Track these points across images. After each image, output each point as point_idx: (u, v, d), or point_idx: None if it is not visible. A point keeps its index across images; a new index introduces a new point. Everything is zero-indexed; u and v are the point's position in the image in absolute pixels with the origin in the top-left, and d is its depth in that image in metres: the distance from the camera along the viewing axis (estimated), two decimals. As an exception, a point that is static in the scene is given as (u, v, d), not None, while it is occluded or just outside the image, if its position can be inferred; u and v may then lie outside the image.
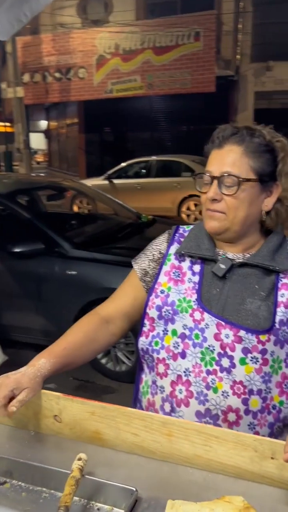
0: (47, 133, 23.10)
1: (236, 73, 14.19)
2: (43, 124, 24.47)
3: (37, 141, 26.68)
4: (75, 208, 9.81)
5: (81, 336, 1.22)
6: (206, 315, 1.13)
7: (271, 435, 1.14)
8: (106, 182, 10.75)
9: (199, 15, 12.94)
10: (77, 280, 3.69)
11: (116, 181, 10.79)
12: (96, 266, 3.70)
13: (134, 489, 0.91)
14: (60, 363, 1.15)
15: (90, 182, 9.92)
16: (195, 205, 10.00)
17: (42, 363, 1.12)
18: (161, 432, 1.01)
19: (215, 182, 1.13)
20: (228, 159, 1.13)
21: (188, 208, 10.14)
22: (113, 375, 3.74)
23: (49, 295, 3.83)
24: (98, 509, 0.92)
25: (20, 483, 0.97)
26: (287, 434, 1.17)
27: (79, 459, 0.94)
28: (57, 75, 14.94)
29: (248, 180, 1.12)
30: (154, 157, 11.08)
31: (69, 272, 3.71)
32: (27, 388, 1.05)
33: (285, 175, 1.16)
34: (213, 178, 1.14)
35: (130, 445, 1.04)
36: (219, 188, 1.13)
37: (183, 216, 10.17)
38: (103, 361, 3.74)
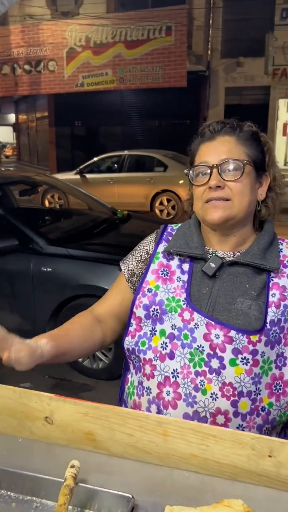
0: (16, 126, 22.70)
1: (207, 69, 14.26)
2: (12, 117, 24.05)
3: (6, 134, 26.22)
4: (46, 203, 9.67)
5: (79, 327, 1.20)
6: (195, 314, 1.10)
7: None
8: (78, 176, 10.64)
9: (170, 10, 12.93)
10: (53, 277, 3.62)
11: (88, 175, 10.69)
12: (72, 263, 3.63)
13: (130, 496, 0.87)
14: (60, 348, 1.11)
15: (62, 176, 9.80)
16: (168, 200, 10.01)
17: (43, 342, 1.08)
18: (156, 432, 0.98)
19: (215, 170, 1.11)
20: (223, 148, 1.13)
21: (161, 203, 10.14)
22: (90, 373, 3.69)
23: (24, 293, 3.74)
24: (92, 517, 0.88)
25: (9, 493, 0.91)
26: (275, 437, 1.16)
27: (72, 466, 0.89)
28: (27, 67, 14.68)
29: (248, 163, 1.12)
30: (126, 152, 11.02)
31: (44, 269, 3.63)
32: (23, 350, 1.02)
33: (272, 165, 1.19)
34: (212, 167, 1.11)
35: (124, 446, 1.00)
36: (220, 176, 1.11)
37: (156, 211, 10.15)
38: (80, 358, 3.68)
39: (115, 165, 10.90)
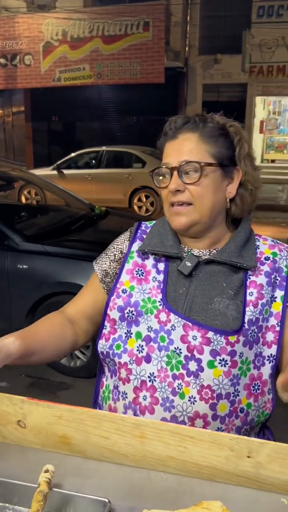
0: (-9, 121, 22.30)
1: (185, 65, 14.26)
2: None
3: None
4: (23, 199, 9.54)
5: (49, 327, 1.15)
6: (172, 316, 1.07)
7: None
8: (55, 172, 10.52)
9: (148, 5, 12.87)
10: (29, 274, 3.56)
11: (65, 171, 10.57)
12: (48, 260, 3.58)
13: (107, 500, 0.85)
14: (28, 347, 1.05)
15: (39, 172, 9.66)
16: (146, 196, 9.98)
17: (10, 340, 1.02)
18: (133, 434, 0.95)
19: (175, 173, 1.07)
20: (184, 148, 1.08)
21: (140, 200, 10.11)
22: (68, 371, 3.65)
23: (-1, 290, 3.68)
24: (67, 523, 0.85)
25: (-20, 500, 0.88)
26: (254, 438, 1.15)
27: (46, 471, 0.86)
28: (2, 61, 14.42)
29: (209, 164, 1.07)
30: (104, 148, 10.94)
31: (20, 266, 3.57)
32: None
33: (243, 158, 1.12)
34: (172, 169, 1.08)
35: (100, 449, 0.98)
36: (180, 178, 1.07)
37: (135, 207, 10.12)
38: (51, 360, 3.63)
39: (93, 161, 10.82)
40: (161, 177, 1.11)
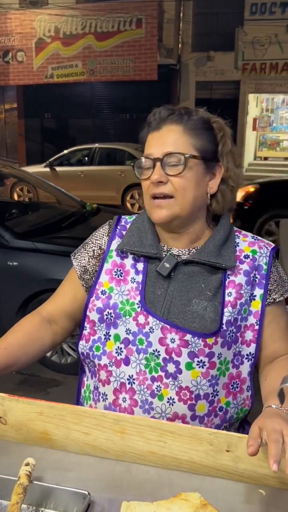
0: (-16, 118, 22.19)
1: (178, 62, 14.24)
2: (-20, 108, 23.47)
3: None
4: (15, 196, 9.51)
5: (22, 336, 1.15)
6: (150, 318, 1.06)
7: None
8: (48, 169, 10.49)
9: (140, 2, 12.85)
10: (19, 271, 3.56)
11: (58, 168, 10.54)
12: (39, 257, 3.58)
13: (86, 492, 0.86)
14: (1, 364, 1.08)
15: (31, 169, 9.63)
16: (139, 194, 9.94)
17: None
18: (113, 430, 0.97)
19: (158, 164, 1.05)
20: (168, 139, 1.07)
21: (132, 197, 10.10)
22: (59, 368, 3.65)
23: (-11, 287, 3.67)
24: (47, 515, 0.86)
25: None
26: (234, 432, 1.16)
27: (27, 464, 0.88)
28: (-6, 57, 14.35)
29: (193, 157, 1.06)
30: (97, 145, 10.92)
31: (10, 263, 3.57)
32: None
33: (226, 155, 1.11)
34: (155, 160, 1.06)
35: (81, 445, 0.99)
36: (162, 170, 1.05)
37: (128, 205, 10.12)
38: (48, 353, 3.64)
39: (86, 158, 10.80)
40: (142, 169, 1.09)
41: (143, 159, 1.09)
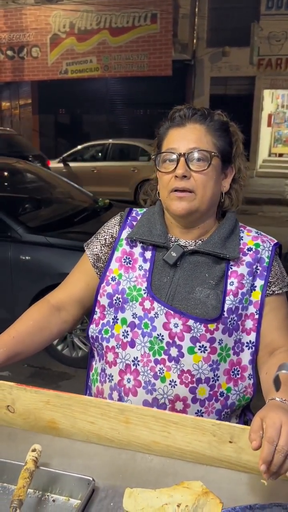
0: (-1, 113, 22.32)
1: (193, 58, 14.18)
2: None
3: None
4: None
5: (31, 324, 1.18)
6: (155, 304, 1.11)
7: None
8: (61, 165, 10.54)
9: (156, -3, 12.79)
10: (32, 265, 3.60)
11: (71, 164, 10.59)
12: (51, 251, 3.62)
13: (91, 478, 0.89)
14: (10, 352, 1.11)
15: (45, 164, 9.70)
16: (152, 188, 9.96)
17: None
18: (118, 419, 0.99)
19: (182, 159, 1.10)
20: (192, 136, 1.12)
21: (145, 193, 10.09)
22: (70, 361, 3.70)
23: (2, 281, 3.72)
24: (53, 500, 0.89)
25: None
26: (235, 420, 1.18)
27: (33, 450, 0.91)
28: (9, 53, 14.41)
29: (216, 155, 1.12)
30: (110, 140, 10.95)
31: (23, 257, 3.61)
32: None
33: (238, 157, 1.19)
34: (179, 155, 1.10)
35: (87, 434, 1.02)
36: (187, 165, 1.10)
37: (140, 201, 10.12)
38: (59, 347, 3.69)
39: (99, 154, 10.83)
40: (164, 162, 1.13)
41: (168, 153, 1.12)
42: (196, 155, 1.10)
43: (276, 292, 1.14)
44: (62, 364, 3.71)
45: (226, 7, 13.36)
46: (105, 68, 13.74)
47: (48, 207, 4.90)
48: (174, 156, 1.11)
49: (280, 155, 16.64)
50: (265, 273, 1.14)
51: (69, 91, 14.83)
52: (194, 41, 14.07)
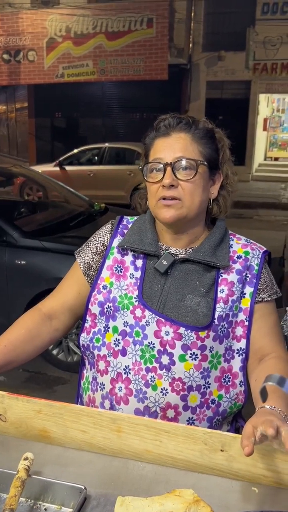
0: (-5, 117, 22.32)
1: (189, 62, 14.23)
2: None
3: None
4: (25, 196, 9.59)
5: (22, 333, 1.19)
6: (147, 312, 1.12)
7: (210, 428, 1.14)
8: (58, 168, 10.54)
9: (151, 1, 12.84)
10: (27, 270, 3.60)
11: (68, 168, 10.60)
12: (46, 256, 3.62)
13: (83, 487, 0.89)
14: (1, 361, 1.12)
15: (41, 168, 9.72)
16: (141, 198, 9.97)
17: None
18: (110, 428, 1.00)
19: (169, 168, 1.11)
20: (178, 145, 1.12)
21: (135, 202, 10.10)
22: (65, 366, 3.69)
23: (-3, 285, 3.72)
24: (45, 509, 0.90)
25: None
26: (227, 427, 1.19)
27: (25, 458, 0.91)
28: (6, 56, 14.42)
29: (202, 163, 1.12)
30: (107, 144, 10.97)
31: (18, 262, 3.61)
32: None
33: (225, 163, 1.20)
34: (166, 164, 1.11)
35: (79, 443, 1.02)
36: (174, 174, 1.11)
37: (137, 205, 10.12)
38: (55, 352, 3.68)
39: (95, 157, 10.83)
40: (151, 172, 1.14)
41: (154, 163, 1.14)
42: (182, 164, 1.11)
43: (265, 299, 1.15)
44: (58, 369, 3.70)
45: (222, 12, 13.43)
46: (101, 72, 13.77)
47: (43, 211, 4.90)
48: (161, 166, 1.12)
49: (276, 159, 16.71)
50: (255, 281, 1.15)
51: (65, 95, 14.85)
52: (190, 45, 14.12)
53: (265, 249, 1.20)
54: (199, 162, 1.12)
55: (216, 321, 1.11)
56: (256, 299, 1.15)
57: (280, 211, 10.07)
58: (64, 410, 1.00)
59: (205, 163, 1.13)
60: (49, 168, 10.45)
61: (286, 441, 0.81)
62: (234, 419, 1.22)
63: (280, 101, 17.06)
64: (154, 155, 1.15)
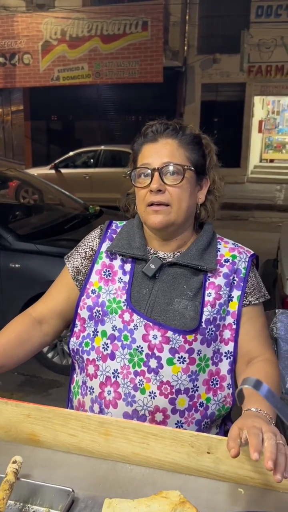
0: (-9, 119, 22.30)
1: (184, 65, 14.27)
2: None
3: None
4: (21, 198, 9.59)
5: (13, 337, 1.20)
6: (135, 316, 1.13)
7: (198, 431, 1.15)
8: (53, 171, 10.55)
9: (146, 4, 12.89)
10: (21, 273, 3.61)
11: (63, 170, 10.60)
12: (41, 259, 3.63)
13: (71, 489, 0.91)
14: None
15: (37, 171, 9.72)
16: (130, 203, 9.99)
17: None
18: (98, 432, 1.01)
19: (156, 174, 1.12)
20: (165, 151, 1.14)
21: (123, 207, 10.11)
22: (60, 369, 3.70)
23: (-8, 289, 3.72)
24: (34, 511, 0.91)
25: None
26: (215, 430, 1.20)
27: (14, 461, 0.92)
28: (1, 60, 14.43)
29: (189, 168, 1.14)
30: (102, 147, 10.97)
31: (13, 265, 3.62)
32: None
33: (212, 168, 1.22)
34: (153, 170, 1.13)
35: (67, 446, 1.03)
36: (161, 179, 1.12)
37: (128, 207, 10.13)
38: (49, 355, 3.69)
39: (91, 160, 10.84)
40: (139, 178, 1.16)
41: (142, 168, 1.15)
42: (169, 169, 1.12)
43: (252, 302, 1.17)
44: (53, 372, 3.71)
45: (217, 15, 13.48)
46: (97, 75, 13.80)
47: (38, 214, 4.91)
48: (149, 171, 1.14)
49: (271, 160, 16.78)
50: (242, 284, 1.16)
51: (61, 98, 14.86)
52: (185, 48, 14.16)
53: (252, 252, 1.21)
54: (186, 167, 1.13)
55: (203, 324, 1.12)
56: (244, 302, 1.16)
57: (275, 212, 10.10)
58: (52, 414, 1.02)
59: (192, 168, 1.15)
60: (45, 171, 10.45)
61: (266, 459, 0.80)
62: (223, 422, 1.23)
63: (275, 103, 17.14)
64: (141, 161, 1.16)
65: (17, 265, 3.62)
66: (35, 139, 16.37)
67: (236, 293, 1.16)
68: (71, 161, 10.87)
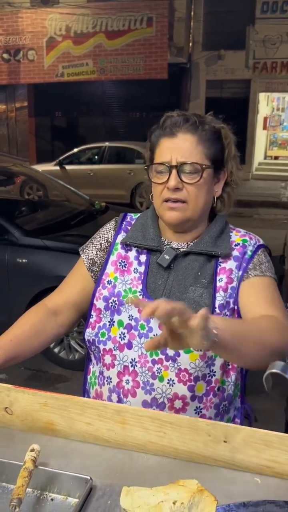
0: (-5, 116, 22.31)
1: (189, 61, 14.24)
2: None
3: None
4: (26, 194, 9.60)
5: (28, 328, 1.20)
6: None
7: (217, 415, 1.17)
8: (58, 168, 10.56)
9: (151, 0, 12.84)
10: (28, 268, 3.62)
11: (68, 167, 10.61)
12: (47, 254, 3.64)
13: (89, 477, 0.91)
14: (7, 355, 1.13)
15: (41, 167, 9.72)
16: (147, 192, 9.99)
17: None
18: (115, 420, 1.01)
19: (174, 171, 1.11)
20: (184, 147, 1.13)
21: (141, 196, 10.14)
22: (66, 364, 3.71)
23: (-1, 284, 3.73)
24: (52, 499, 0.91)
25: None
26: (233, 412, 1.20)
27: (32, 450, 0.92)
28: (6, 56, 14.42)
29: (207, 167, 1.13)
30: (107, 143, 10.98)
31: (20, 260, 3.63)
32: None
33: (231, 159, 1.20)
34: (171, 167, 1.12)
35: (84, 435, 1.03)
36: (179, 177, 1.11)
37: (137, 203, 10.15)
38: (56, 350, 3.70)
39: (95, 157, 10.86)
40: (157, 173, 1.15)
41: (160, 165, 1.14)
42: (188, 168, 1.11)
43: (252, 275, 1.13)
44: (59, 367, 3.72)
45: (222, 10, 13.42)
46: (101, 71, 13.77)
47: (44, 210, 4.92)
48: (166, 168, 1.13)
49: (276, 157, 16.73)
50: (245, 264, 1.16)
51: (65, 94, 14.86)
52: (190, 44, 14.12)
53: (262, 242, 1.21)
54: (204, 166, 1.12)
55: (217, 309, 1.12)
56: (243, 278, 1.14)
57: (280, 209, 10.09)
58: (69, 403, 1.02)
59: (210, 165, 1.14)
60: (49, 167, 10.46)
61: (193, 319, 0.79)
62: (241, 405, 1.24)
63: (280, 100, 17.07)
64: (160, 156, 1.15)
65: (24, 260, 3.63)
66: (39, 135, 16.38)
67: (241, 274, 1.15)
68: (76, 157, 10.89)
